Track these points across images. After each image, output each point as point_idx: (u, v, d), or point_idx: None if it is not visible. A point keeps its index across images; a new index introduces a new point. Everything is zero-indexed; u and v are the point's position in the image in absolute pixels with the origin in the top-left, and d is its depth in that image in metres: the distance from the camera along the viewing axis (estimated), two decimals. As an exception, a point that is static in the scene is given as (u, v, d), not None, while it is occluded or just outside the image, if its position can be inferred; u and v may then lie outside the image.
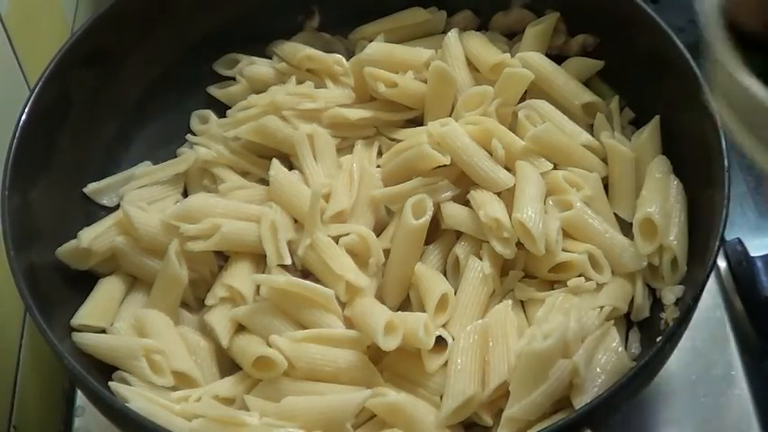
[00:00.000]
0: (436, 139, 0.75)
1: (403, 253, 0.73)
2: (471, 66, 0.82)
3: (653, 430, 0.74)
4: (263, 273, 0.73)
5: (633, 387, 0.63)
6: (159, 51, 0.84)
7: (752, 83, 0.48)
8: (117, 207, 0.78)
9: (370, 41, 0.84)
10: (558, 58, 0.82)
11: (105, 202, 0.80)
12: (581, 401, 0.63)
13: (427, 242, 0.74)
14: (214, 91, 0.88)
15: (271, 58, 0.88)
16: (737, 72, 0.49)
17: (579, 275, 0.71)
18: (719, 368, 0.76)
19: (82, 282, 0.74)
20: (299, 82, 0.83)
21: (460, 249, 0.73)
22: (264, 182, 0.79)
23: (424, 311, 0.70)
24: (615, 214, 0.76)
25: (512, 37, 0.87)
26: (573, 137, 0.77)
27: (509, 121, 0.79)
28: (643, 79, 0.79)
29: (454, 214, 0.74)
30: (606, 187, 0.77)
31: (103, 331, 0.72)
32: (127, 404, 0.64)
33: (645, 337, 0.71)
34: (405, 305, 0.74)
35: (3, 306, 0.76)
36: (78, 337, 0.70)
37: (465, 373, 0.66)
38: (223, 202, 0.76)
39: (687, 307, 0.64)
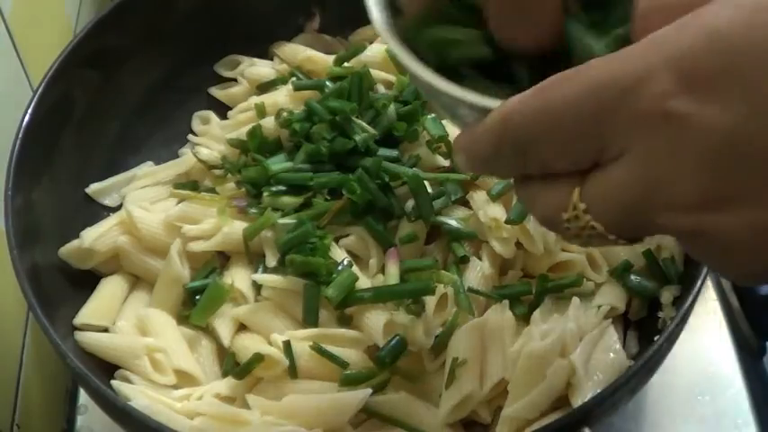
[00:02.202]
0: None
1: (403, 253, 0.73)
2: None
3: (650, 429, 0.75)
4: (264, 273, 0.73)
5: (631, 386, 0.63)
6: (161, 53, 0.85)
7: (419, 69, 0.45)
8: (119, 207, 0.78)
9: (371, 43, 0.85)
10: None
11: (107, 202, 0.80)
12: (579, 400, 0.64)
13: (427, 242, 0.74)
14: (215, 92, 0.88)
15: (272, 60, 0.88)
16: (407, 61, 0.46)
17: (578, 275, 0.72)
18: (717, 367, 0.77)
19: (84, 281, 0.75)
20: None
21: (461, 249, 0.74)
22: (265, 182, 0.79)
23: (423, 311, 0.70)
24: (613, 214, 0.76)
25: (511, 38, 0.87)
26: (571, 137, 0.77)
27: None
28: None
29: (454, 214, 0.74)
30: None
31: (106, 330, 0.72)
32: (129, 402, 0.64)
33: (643, 336, 0.71)
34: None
35: (6, 305, 0.76)
36: (81, 336, 0.70)
37: (463, 370, 0.67)
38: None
39: (685, 306, 0.65)
